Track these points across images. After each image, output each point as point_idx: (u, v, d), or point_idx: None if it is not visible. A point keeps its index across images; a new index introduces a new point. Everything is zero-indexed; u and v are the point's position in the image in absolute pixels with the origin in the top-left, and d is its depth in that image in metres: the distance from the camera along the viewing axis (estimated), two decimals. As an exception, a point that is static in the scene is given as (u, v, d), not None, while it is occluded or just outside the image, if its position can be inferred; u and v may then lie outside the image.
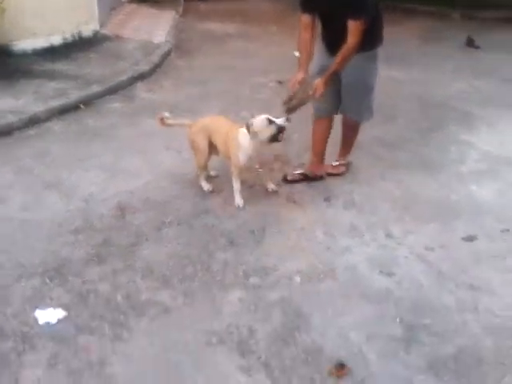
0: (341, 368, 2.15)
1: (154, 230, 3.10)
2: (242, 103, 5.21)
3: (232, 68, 6.55)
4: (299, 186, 3.62)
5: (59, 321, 2.37)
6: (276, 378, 2.12)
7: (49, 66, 5.83)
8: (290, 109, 3.21)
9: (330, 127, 3.60)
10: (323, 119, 3.56)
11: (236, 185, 3.36)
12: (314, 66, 3.38)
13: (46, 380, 2.10)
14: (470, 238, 3.09)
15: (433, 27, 8.69)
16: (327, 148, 3.69)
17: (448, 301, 2.59)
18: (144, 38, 7.36)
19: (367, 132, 3.95)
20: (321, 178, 3.69)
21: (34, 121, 4.54)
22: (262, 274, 2.72)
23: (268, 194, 3.53)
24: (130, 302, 2.52)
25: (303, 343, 2.29)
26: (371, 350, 2.27)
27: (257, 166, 3.53)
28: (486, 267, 2.84)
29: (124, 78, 5.66)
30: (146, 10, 9.33)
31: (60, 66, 5.86)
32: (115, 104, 5.18)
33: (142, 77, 5.91)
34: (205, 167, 3.57)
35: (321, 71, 3.25)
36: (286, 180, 3.67)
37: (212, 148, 3.46)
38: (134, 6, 9.55)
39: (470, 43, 7.61)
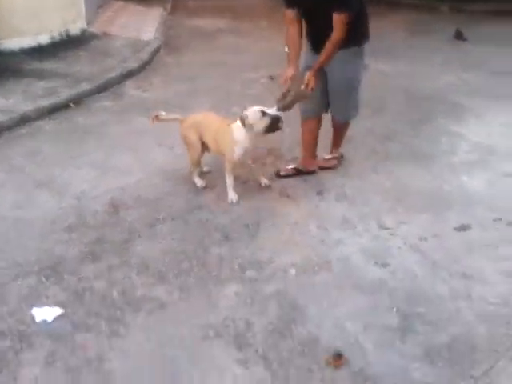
0: (338, 358, 2.17)
1: (148, 227, 3.10)
2: (232, 99, 5.20)
3: (222, 64, 6.54)
4: (292, 181, 3.63)
5: (56, 319, 2.37)
6: (274, 370, 2.13)
7: (37, 65, 5.79)
8: (285, 106, 3.18)
9: (318, 126, 3.61)
10: (311, 120, 3.58)
11: (229, 180, 3.36)
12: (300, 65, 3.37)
13: (44, 378, 2.10)
14: (463, 228, 3.12)
15: (420, 20, 8.72)
16: (319, 140, 3.70)
17: (442, 290, 2.62)
18: (132, 35, 7.33)
19: (357, 125, 3.96)
20: (313, 172, 3.71)
21: (24, 120, 4.52)
22: (258, 268, 2.73)
23: (261, 188, 3.54)
24: (125, 298, 2.52)
25: (300, 335, 2.31)
26: (367, 339, 2.29)
27: (249, 162, 3.53)
28: (478, 256, 2.87)
29: (113, 75, 5.64)
30: (134, 7, 9.28)
31: (48, 64, 5.82)
32: (105, 102, 5.16)
33: (131, 74, 5.89)
34: (198, 163, 3.57)
35: (307, 70, 3.25)
36: (278, 175, 3.68)
37: (204, 145, 3.46)
38: (121, 3, 9.49)
39: (459, 36, 7.65)
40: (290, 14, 3.23)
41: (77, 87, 5.21)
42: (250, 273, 2.70)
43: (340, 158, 3.84)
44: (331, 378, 2.11)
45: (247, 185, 3.59)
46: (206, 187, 3.53)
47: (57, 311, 2.40)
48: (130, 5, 9.44)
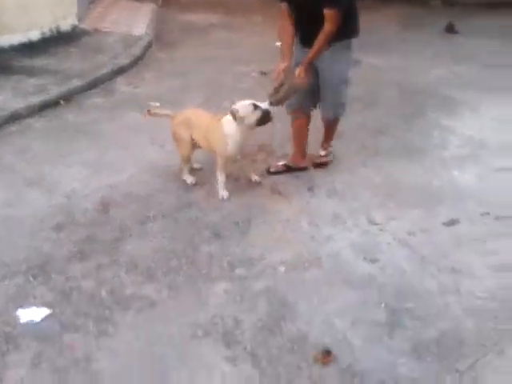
0: (326, 355, 2.18)
1: (138, 225, 3.10)
2: (224, 94, 5.19)
3: (214, 59, 6.52)
4: (283, 177, 3.62)
5: (43, 319, 2.36)
6: (262, 367, 2.14)
7: (27, 61, 5.76)
8: (277, 101, 3.18)
9: (308, 123, 3.61)
10: (300, 117, 3.56)
11: (221, 177, 3.35)
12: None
13: (30, 379, 2.09)
14: (452, 223, 3.13)
15: (412, 14, 8.71)
16: (314, 137, 3.70)
17: (430, 285, 2.62)
18: (123, 30, 7.29)
19: (348, 120, 3.96)
20: (304, 168, 3.71)
21: (14, 117, 4.49)
22: (248, 265, 2.73)
23: (252, 185, 3.53)
24: (114, 297, 2.51)
25: (289, 332, 2.31)
26: (356, 335, 2.29)
27: (239, 157, 3.52)
28: (466, 251, 2.88)
29: (104, 71, 5.61)
30: (125, 3, 9.21)
31: (39, 61, 5.78)
32: (96, 99, 5.13)
33: (122, 70, 5.86)
34: (188, 159, 3.56)
35: (298, 65, 3.24)
36: (269, 172, 3.67)
37: (195, 142, 3.45)
38: (112, -2, 9.44)
39: (450, 29, 7.65)
40: (285, 6, 3.23)
41: (67, 84, 5.18)
42: (239, 270, 2.69)
43: (332, 153, 3.83)
44: (319, 374, 2.11)
45: (238, 182, 3.59)
46: (196, 184, 3.52)
47: (44, 311, 2.39)
48: (121, 0, 9.37)
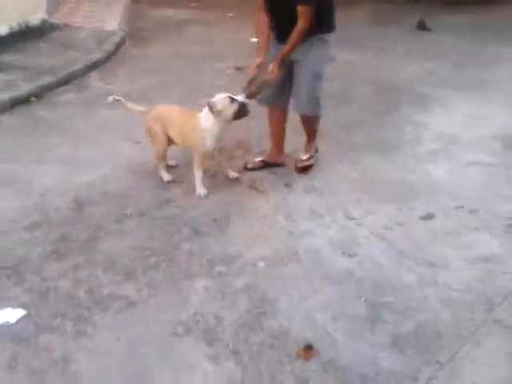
0: (308, 350, 2.19)
1: (115, 223, 3.05)
2: (200, 90, 5.13)
3: (189, 55, 6.45)
4: (260, 173, 3.62)
5: (18, 321, 2.30)
6: (244, 364, 2.13)
7: (-5, 57, 5.60)
8: (251, 94, 3.21)
9: (284, 118, 3.60)
10: (275, 110, 3.56)
11: (198, 174, 3.33)
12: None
13: (6, 382, 2.04)
14: (428, 217, 3.18)
15: (383, 10, 8.79)
16: (293, 137, 3.71)
17: (408, 278, 2.66)
18: (95, 26, 7.15)
19: (323, 116, 3.95)
20: (281, 164, 3.71)
21: (-17, 115, 4.37)
22: (227, 262, 2.72)
23: (230, 182, 3.52)
24: (92, 297, 2.47)
25: (270, 328, 2.31)
26: (337, 330, 2.31)
27: (215, 153, 3.49)
28: (442, 244, 2.93)
29: (77, 67, 5.50)
30: (96, -3, 9.03)
31: (7, 57, 5.62)
32: (69, 95, 5.03)
33: (95, 66, 5.75)
34: (163, 157, 3.52)
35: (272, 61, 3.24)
36: (246, 168, 3.66)
37: (170, 138, 3.41)
38: (83, -8, 9.23)
39: (422, 26, 7.75)
40: (261, 2, 3.22)
41: (38, 80, 5.06)
42: (219, 267, 2.68)
43: (315, 155, 3.74)
44: (302, 369, 2.12)
45: (215, 178, 3.57)
46: (173, 181, 3.49)
47: (20, 313, 2.33)
48: (92, -6, 9.18)
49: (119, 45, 6.60)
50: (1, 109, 4.50)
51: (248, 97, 3.18)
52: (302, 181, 3.55)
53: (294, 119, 3.59)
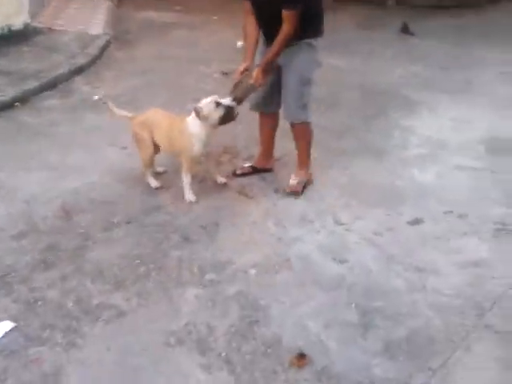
0: (301, 358, 2.18)
1: (103, 231, 3.01)
2: (186, 94, 5.12)
3: (174, 58, 6.42)
4: (249, 179, 3.61)
5: (7, 333, 2.25)
6: (237, 373, 2.12)
7: (-23, 61, 5.50)
8: (237, 99, 3.18)
9: (273, 123, 3.57)
10: (264, 114, 3.55)
11: (186, 180, 3.30)
12: (257, 57, 3.35)
13: (-4, 396, 2.01)
14: (416, 221, 3.20)
15: (368, 15, 8.85)
16: (283, 142, 3.69)
17: (398, 283, 2.68)
18: (79, 29, 7.06)
19: (312, 122, 3.97)
20: (270, 170, 3.70)
21: (-35, 121, 4.29)
22: (218, 270, 2.71)
23: (218, 187, 3.50)
24: (81, 308, 2.44)
25: (262, 336, 2.30)
26: (329, 337, 2.31)
27: (203, 158, 3.47)
28: (431, 249, 2.95)
29: (61, 72, 5.41)
30: (80, 0, 8.94)
31: (-10, 61, 5.54)
32: (54, 100, 4.96)
33: (80, 70, 5.68)
34: (150, 163, 3.49)
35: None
36: (235, 174, 3.65)
37: (156, 144, 3.39)
38: (66, -5, 9.13)
39: (405, 30, 7.82)
40: (248, 5, 3.19)
41: (22, 85, 4.97)
42: (210, 275, 2.67)
43: (307, 183, 3.51)
44: (295, 378, 2.11)
45: (204, 184, 3.55)
46: (161, 188, 3.46)
47: (8, 325, 2.28)
48: (75, -3, 9.09)
49: (104, 48, 6.53)
50: (-16, 114, 4.42)
51: (235, 101, 3.16)
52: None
53: (284, 124, 3.57)
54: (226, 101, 3.12)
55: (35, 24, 6.78)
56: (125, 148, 3.92)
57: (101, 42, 6.54)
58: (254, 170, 3.66)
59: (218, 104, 3.12)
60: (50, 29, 6.82)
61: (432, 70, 6.11)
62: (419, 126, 4.59)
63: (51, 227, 3.02)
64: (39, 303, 2.44)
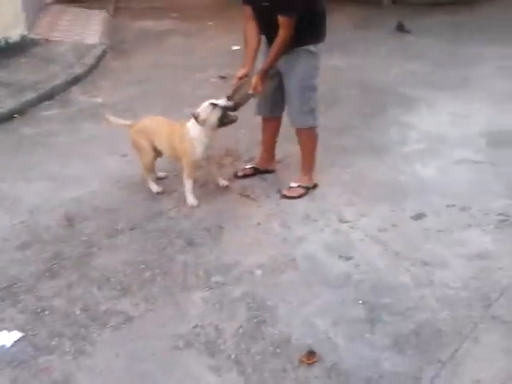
0: (311, 355, 2.18)
1: (107, 238, 3.02)
2: (184, 100, 5.12)
3: (170, 66, 6.44)
4: (251, 181, 3.61)
5: (15, 343, 2.25)
6: (248, 374, 2.12)
7: (-25, 75, 5.52)
8: (235, 104, 3.18)
9: (276, 126, 3.56)
10: (267, 118, 3.55)
11: (188, 184, 3.31)
12: (260, 58, 3.31)
13: (7, 407, 2.00)
14: (419, 216, 3.20)
15: (365, 14, 8.87)
16: (285, 144, 3.69)
17: (405, 279, 2.67)
18: (76, 39, 7.09)
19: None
20: (271, 171, 3.70)
21: (-35, 134, 4.30)
22: (224, 272, 2.71)
23: (220, 190, 3.50)
24: (89, 315, 2.44)
25: (271, 336, 2.30)
26: (338, 334, 2.31)
27: (204, 162, 3.47)
28: (436, 243, 2.94)
29: (58, 82, 5.44)
30: (75, 11, 8.97)
31: (-13, 74, 5.56)
32: (52, 110, 4.98)
33: (77, 80, 5.70)
34: (151, 169, 3.50)
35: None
36: (236, 176, 3.65)
37: (156, 150, 3.40)
38: (60, 7, 9.16)
39: (400, 28, 7.84)
40: (248, 10, 3.17)
41: (21, 96, 5.00)
42: (216, 278, 2.66)
43: (310, 188, 3.47)
44: (305, 376, 2.11)
45: (206, 187, 3.55)
46: (162, 193, 3.47)
47: (16, 335, 2.28)
48: (70, 8, 9.12)
49: (100, 58, 6.56)
50: (-16, 127, 4.44)
51: (229, 100, 3.16)
52: (293, 186, 3.54)
53: (287, 126, 3.54)
54: (222, 101, 3.14)
55: (32, 36, 6.82)
56: (125, 156, 3.93)
57: (97, 52, 6.58)
58: (256, 172, 3.66)
59: (214, 106, 3.13)
60: (46, 40, 6.85)
61: (429, 67, 6.12)
62: (418, 122, 4.59)
63: (55, 236, 3.02)
64: (46, 312, 2.44)
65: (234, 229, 3.09)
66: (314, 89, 3.28)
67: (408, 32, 7.72)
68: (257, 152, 3.81)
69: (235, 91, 3.20)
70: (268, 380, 2.10)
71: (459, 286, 2.60)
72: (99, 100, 5.27)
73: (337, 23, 8.11)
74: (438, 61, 6.34)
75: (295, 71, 3.20)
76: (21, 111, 4.82)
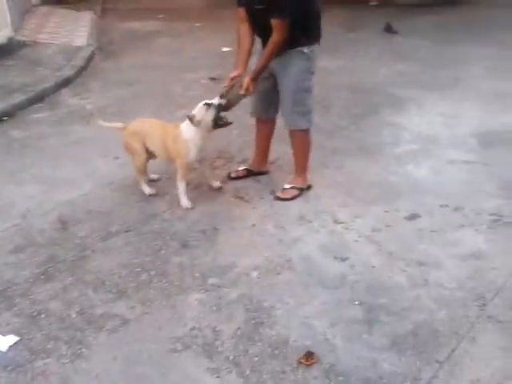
0: (309, 356, 2.18)
1: (101, 241, 3.00)
2: (174, 102, 5.13)
3: (161, 67, 6.43)
4: (244, 182, 3.61)
5: (11, 347, 2.22)
6: (247, 375, 2.11)
7: (-38, 77, 5.46)
8: (225, 106, 3.17)
9: (269, 128, 3.56)
10: (261, 120, 3.55)
11: (181, 186, 3.30)
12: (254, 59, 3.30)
13: (4, 412, 1.98)
14: (413, 217, 3.22)
15: (353, 15, 8.95)
16: (278, 145, 3.69)
17: (400, 279, 2.68)
18: (63, 41, 7.06)
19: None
20: (264, 172, 3.71)
21: (-47, 137, 4.24)
22: (220, 274, 2.70)
23: (214, 192, 3.50)
24: (85, 318, 2.41)
25: (269, 337, 2.30)
26: (335, 335, 2.31)
27: (197, 164, 3.46)
28: (430, 243, 2.96)
29: (48, 84, 5.41)
30: (62, 13, 8.92)
31: (-25, 76, 5.50)
32: (41, 113, 4.94)
33: (66, 82, 5.67)
34: (144, 171, 3.48)
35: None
36: (230, 177, 3.65)
37: (149, 152, 3.38)
38: (46, 8, 9.11)
39: (388, 29, 7.91)
40: (242, 12, 3.17)
41: (9, 99, 4.96)
42: (212, 280, 2.65)
43: (304, 189, 3.47)
44: (304, 377, 2.11)
45: (199, 190, 3.54)
46: (155, 195, 3.45)
47: (11, 339, 2.25)
48: (57, 10, 9.07)
49: (89, 59, 6.53)
50: (-28, 130, 4.38)
51: (224, 108, 3.16)
52: (286, 187, 3.55)
53: (279, 128, 3.55)
54: (215, 100, 3.14)
55: (19, 38, 6.76)
56: (117, 158, 3.91)
57: (85, 54, 6.55)
58: (249, 173, 3.66)
59: (208, 105, 3.13)
60: (34, 42, 6.81)
61: (417, 67, 6.18)
62: (409, 123, 4.63)
63: (49, 239, 2.99)
64: (42, 316, 2.41)
65: (229, 230, 3.08)
66: (307, 91, 3.28)
67: (396, 33, 7.80)
68: (249, 153, 3.82)
69: (227, 92, 3.20)
70: (267, 381, 2.09)
71: (454, 286, 2.62)
72: (89, 102, 5.23)
73: (324, 24, 8.16)
74: (426, 61, 6.41)
75: (288, 73, 3.20)
76: (10, 114, 4.78)
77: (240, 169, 3.69)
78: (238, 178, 3.65)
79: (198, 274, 2.70)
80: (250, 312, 2.44)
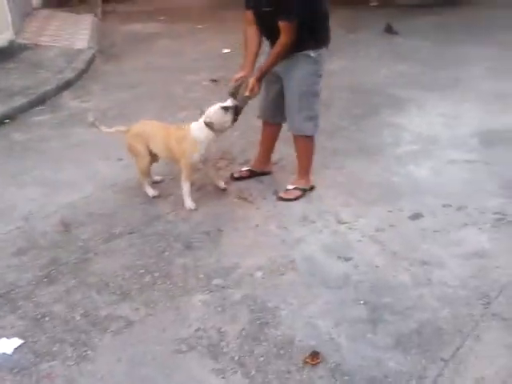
0: (315, 356, 2.17)
1: (104, 243, 3.00)
2: (176, 104, 5.14)
3: (162, 69, 6.44)
4: (248, 183, 3.61)
5: (16, 350, 2.22)
6: (252, 376, 2.11)
7: (-36, 80, 5.47)
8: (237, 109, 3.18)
9: (274, 131, 3.56)
10: (269, 123, 3.54)
11: (186, 187, 3.30)
12: (262, 59, 3.28)
13: (10, 415, 1.97)
14: (416, 216, 3.22)
15: (352, 16, 8.96)
16: (282, 146, 3.69)
17: (404, 278, 2.68)
18: (64, 44, 7.07)
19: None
20: (267, 173, 3.71)
21: (-45, 140, 4.25)
22: (224, 275, 2.70)
23: (218, 193, 3.50)
24: (89, 320, 2.41)
25: (274, 338, 2.30)
26: (340, 335, 2.31)
27: (201, 165, 3.46)
28: (433, 242, 2.96)
29: (49, 87, 5.42)
30: (63, 15, 8.95)
31: (-23, 79, 5.51)
32: (43, 115, 4.95)
33: (67, 85, 5.69)
34: (147, 173, 3.49)
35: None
36: (233, 177, 3.65)
37: (152, 153, 3.38)
38: (47, 11, 9.13)
39: (389, 29, 7.92)
40: (249, 15, 3.16)
41: (10, 102, 4.97)
42: (216, 281, 2.65)
43: (307, 190, 3.47)
44: (309, 377, 2.11)
45: (202, 191, 3.55)
46: (159, 196, 3.46)
47: (16, 342, 2.25)
48: (57, 13, 9.09)
49: (90, 62, 6.54)
50: (-26, 133, 4.39)
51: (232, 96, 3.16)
52: (289, 188, 3.55)
53: (284, 128, 3.54)
54: (229, 102, 3.12)
55: (20, 40, 6.78)
56: (120, 159, 3.92)
57: (86, 56, 6.56)
58: (252, 174, 3.66)
59: (225, 109, 3.12)
60: (35, 45, 6.82)
61: (418, 68, 6.19)
62: (409, 123, 4.63)
63: (51, 242, 3.00)
64: (46, 318, 2.41)
65: (233, 231, 3.09)
66: (314, 95, 3.25)
67: (396, 33, 7.81)
68: (251, 154, 3.82)
69: (232, 96, 3.18)
70: (272, 381, 2.09)
71: (458, 284, 2.62)
72: (90, 105, 5.24)
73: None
74: (427, 62, 6.41)
75: (293, 76, 3.18)
76: (11, 117, 4.79)
77: (243, 169, 3.70)
78: (241, 178, 3.65)
79: (201, 275, 2.70)
80: (255, 312, 2.44)
